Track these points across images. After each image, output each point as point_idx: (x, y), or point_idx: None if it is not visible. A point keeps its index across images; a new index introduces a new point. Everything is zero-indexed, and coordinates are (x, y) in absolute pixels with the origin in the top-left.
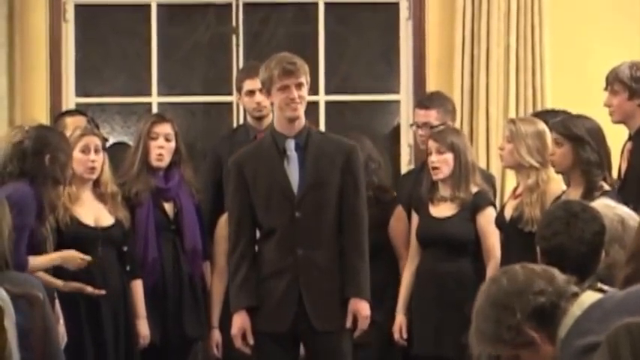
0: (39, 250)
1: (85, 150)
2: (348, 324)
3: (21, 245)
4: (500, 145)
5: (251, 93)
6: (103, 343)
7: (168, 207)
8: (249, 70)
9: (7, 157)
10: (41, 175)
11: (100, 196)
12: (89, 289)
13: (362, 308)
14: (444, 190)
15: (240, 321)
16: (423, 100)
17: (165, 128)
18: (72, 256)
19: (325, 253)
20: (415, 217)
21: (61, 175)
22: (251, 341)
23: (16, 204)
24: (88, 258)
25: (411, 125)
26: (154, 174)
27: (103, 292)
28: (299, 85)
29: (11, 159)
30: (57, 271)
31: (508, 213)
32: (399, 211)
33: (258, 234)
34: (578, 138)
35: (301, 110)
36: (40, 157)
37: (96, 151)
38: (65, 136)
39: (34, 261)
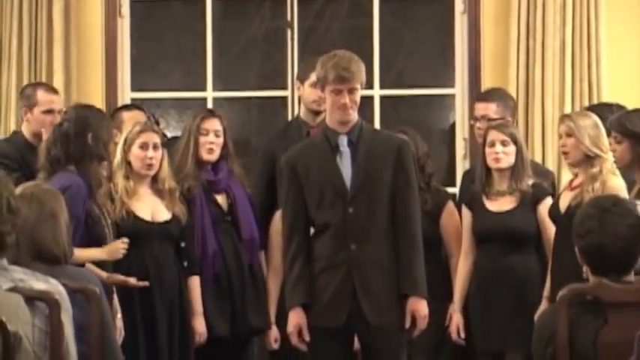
0: (96, 230)
1: (144, 146)
2: (407, 324)
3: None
4: (562, 143)
5: (316, 84)
6: (156, 337)
7: (221, 199)
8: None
9: (50, 142)
10: (87, 155)
11: (158, 192)
12: (132, 281)
13: (420, 308)
14: (500, 184)
15: (296, 318)
16: (483, 93)
17: (215, 124)
18: (115, 248)
19: (378, 248)
20: (467, 214)
21: (105, 151)
22: (307, 338)
23: (66, 197)
24: (126, 240)
25: (470, 120)
26: (203, 168)
27: (146, 283)
28: (352, 90)
29: (55, 143)
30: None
31: (564, 204)
32: (450, 206)
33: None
34: (634, 134)
35: (353, 114)
36: (83, 137)
37: (154, 147)
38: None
39: (80, 253)
